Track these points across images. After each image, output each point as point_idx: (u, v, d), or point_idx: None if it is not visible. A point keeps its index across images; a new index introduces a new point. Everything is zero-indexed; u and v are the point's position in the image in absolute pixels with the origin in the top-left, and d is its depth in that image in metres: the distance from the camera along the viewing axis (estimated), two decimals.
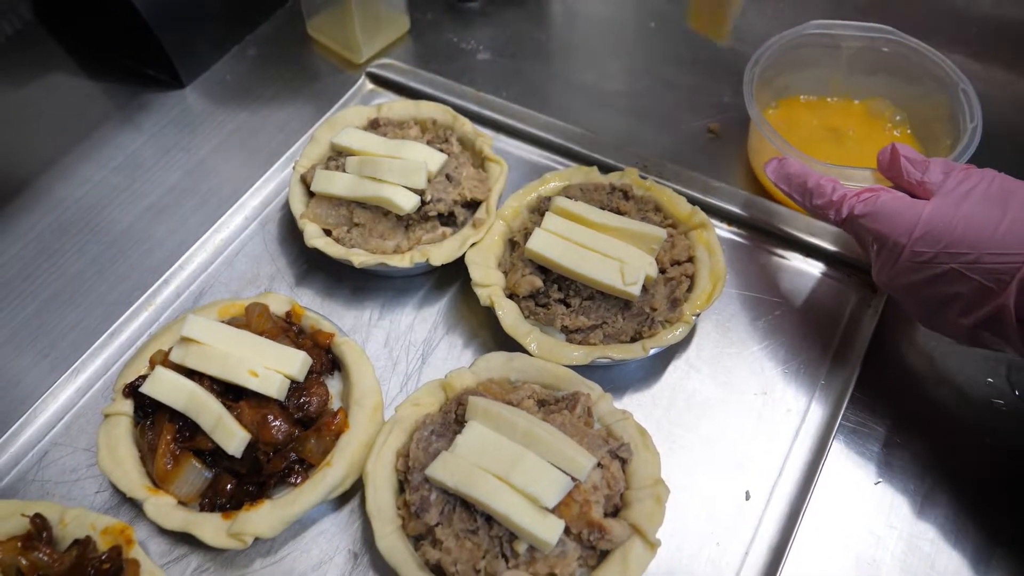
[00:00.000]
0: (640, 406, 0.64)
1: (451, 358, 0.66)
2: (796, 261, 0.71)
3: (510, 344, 0.63)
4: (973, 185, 0.55)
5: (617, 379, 0.64)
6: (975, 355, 0.65)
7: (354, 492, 0.59)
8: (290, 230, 0.73)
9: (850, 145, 0.75)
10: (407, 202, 0.66)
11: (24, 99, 0.84)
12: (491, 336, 0.67)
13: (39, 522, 0.54)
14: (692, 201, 0.70)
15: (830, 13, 0.87)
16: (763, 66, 0.73)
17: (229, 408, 0.57)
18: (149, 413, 0.59)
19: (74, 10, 0.87)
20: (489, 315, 0.66)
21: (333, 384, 0.62)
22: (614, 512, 0.55)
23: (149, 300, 0.69)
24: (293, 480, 0.57)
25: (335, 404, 0.61)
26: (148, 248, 0.72)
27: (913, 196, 0.58)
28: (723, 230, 0.73)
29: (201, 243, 0.72)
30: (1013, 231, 0.52)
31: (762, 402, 0.63)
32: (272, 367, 0.58)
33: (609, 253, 0.63)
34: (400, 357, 0.66)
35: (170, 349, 0.61)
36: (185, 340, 0.59)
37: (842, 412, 0.62)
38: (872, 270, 0.60)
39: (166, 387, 0.57)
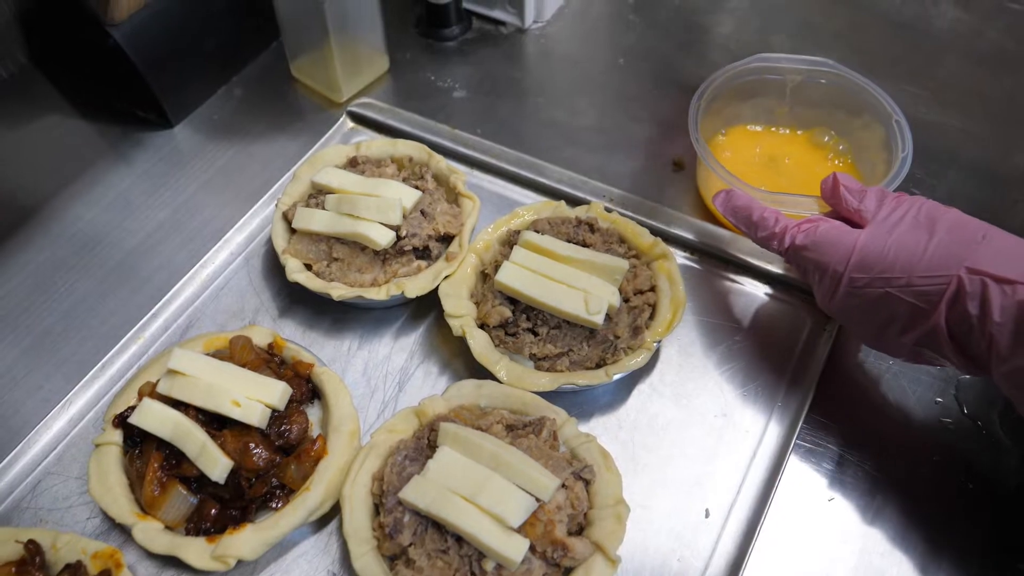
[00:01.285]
0: (606, 429, 0.67)
1: (427, 386, 0.69)
2: (755, 288, 0.74)
3: (482, 372, 0.66)
4: (904, 213, 0.59)
5: (584, 404, 0.68)
6: (924, 376, 0.68)
7: (332, 515, 0.62)
8: (273, 265, 0.77)
9: (791, 173, 0.79)
10: (383, 237, 0.69)
11: (20, 139, 0.88)
12: (464, 364, 0.70)
13: (32, 547, 0.57)
14: (655, 232, 0.74)
15: (792, 45, 0.92)
16: (710, 97, 0.77)
17: (213, 437, 0.60)
18: (137, 442, 0.62)
19: (67, 54, 0.91)
20: (462, 344, 0.69)
21: (313, 412, 0.65)
22: (578, 531, 0.58)
23: (138, 334, 0.72)
24: (274, 504, 0.60)
25: (315, 431, 0.64)
26: (138, 283, 0.75)
27: (852, 223, 0.62)
28: (685, 259, 0.76)
29: (188, 278, 0.76)
30: (938, 254, 0.56)
31: (722, 423, 0.67)
32: (254, 397, 0.61)
33: (574, 284, 0.67)
34: (378, 385, 0.69)
35: (158, 381, 0.64)
36: (171, 372, 0.62)
37: (797, 432, 0.65)
38: (816, 297, 0.64)
39: (153, 418, 0.60)
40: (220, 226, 0.79)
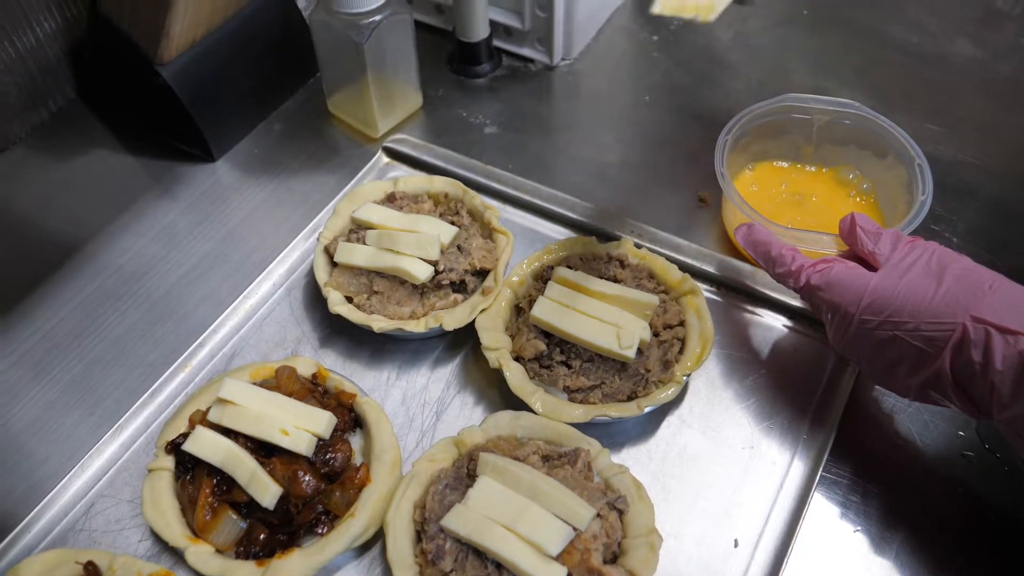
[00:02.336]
0: (636, 460, 0.69)
1: (463, 416, 0.72)
2: (780, 322, 0.77)
3: (517, 403, 0.69)
4: (916, 258, 0.62)
5: (615, 435, 0.70)
6: (946, 410, 0.70)
7: (374, 541, 0.65)
8: (314, 296, 0.80)
9: (816, 210, 0.81)
10: (422, 272, 0.73)
11: (68, 173, 0.91)
12: (499, 395, 0.73)
13: (91, 569, 0.60)
14: (683, 268, 0.76)
15: (812, 82, 0.95)
16: (737, 133, 0.80)
17: (262, 464, 0.62)
18: (189, 468, 0.65)
19: (115, 90, 0.95)
20: (497, 376, 0.72)
21: (355, 441, 0.68)
22: (612, 559, 0.61)
23: (186, 362, 0.75)
24: (320, 530, 0.62)
25: (357, 459, 0.67)
26: (184, 313, 0.79)
27: (867, 263, 0.65)
28: (709, 293, 0.79)
29: (232, 308, 0.79)
30: (946, 301, 0.58)
31: (748, 456, 0.69)
32: (301, 426, 0.64)
33: (606, 319, 0.70)
34: (416, 414, 0.72)
35: (208, 409, 0.67)
36: (221, 401, 0.65)
37: (822, 465, 0.67)
38: (828, 336, 0.66)
39: (205, 445, 0.63)
40: (262, 258, 0.82)
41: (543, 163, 0.90)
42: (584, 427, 0.67)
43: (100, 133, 0.95)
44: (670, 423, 0.71)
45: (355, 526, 0.61)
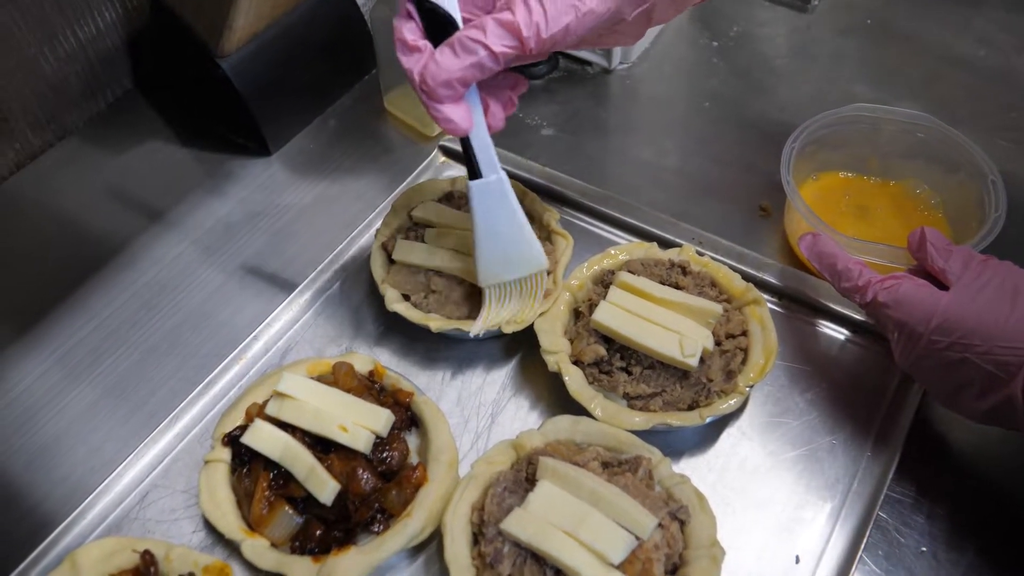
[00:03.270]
0: (695, 470, 0.69)
1: (518, 419, 0.72)
2: (844, 336, 0.76)
3: (574, 408, 0.69)
4: (988, 279, 0.61)
5: (674, 444, 0.70)
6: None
7: (429, 542, 0.65)
8: (369, 293, 0.80)
9: (880, 223, 0.81)
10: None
11: (123, 164, 0.93)
12: (555, 399, 0.72)
13: (148, 558, 0.60)
14: (744, 277, 0.76)
15: (875, 94, 0.94)
16: (804, 141, 0.79)
17: (320, 460, 0.63)
18: (246, 461, 0.65)
19: (172, 81, 0.96)
20: (554, 379, 0.71)
21: (411, 440, 0.68)
22: (672, 571, 0.60)
23: (240, 354, 0.76)
24: (375, 528, 0.62)
25: (413, 459, 0.67)
26: (239, 305, 0.79)
27: (936, 280, 0.64)
28: (773, 305, 0.78)
29: (287, 303, 0.79)
30: (1020, 327, 0.57)
31: (810, 471, 0.68)
32: (359, 423, 0.64)
33: (669, 326, 0.69)
34: (471, 416, 0.72)
35: (264, 402, 0.67)
36: (279, 395, 0.66)
37: (887, 483, 0.67)
38: (894, 353, 0.65)
39: (264, 439, 0.63)
40: (317, 253, 0.83)
41: (601, 167, 0.90)
42: (643, 434, 0.66)
43: (156, 125, 0.97)
44: (730, 434, 0.71)
45: (412, 525, 0.62)
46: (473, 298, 0.74)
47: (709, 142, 0.93)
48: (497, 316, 0.71)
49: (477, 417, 0.72)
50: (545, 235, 0.79)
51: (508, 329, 0.72)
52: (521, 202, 0.79)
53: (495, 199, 0.66)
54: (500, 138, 0.91)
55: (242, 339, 0.77)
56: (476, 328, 0.70)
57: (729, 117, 0.95)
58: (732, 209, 0.86)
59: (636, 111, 0.97)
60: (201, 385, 0.74)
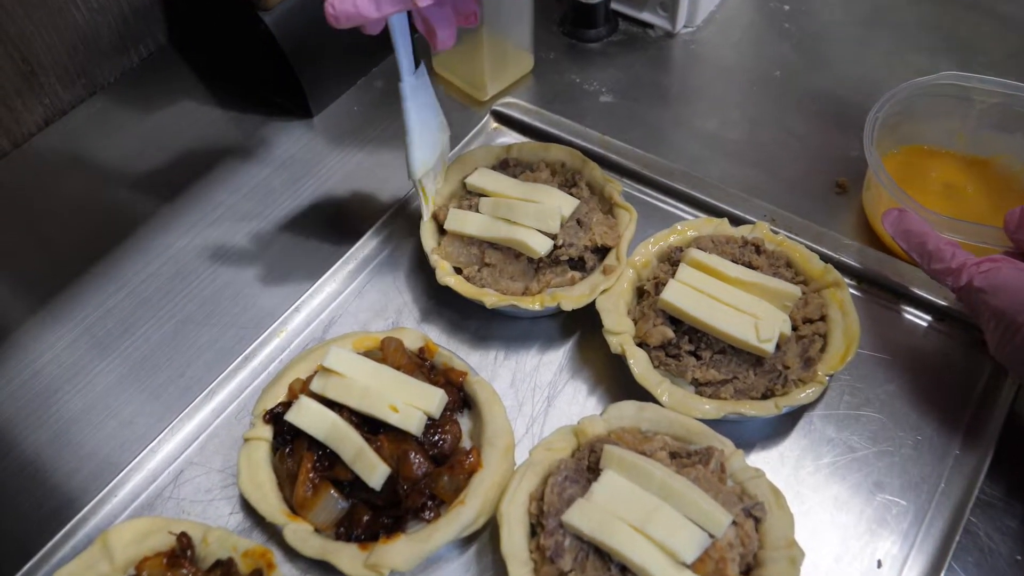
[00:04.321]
0: (767, 463, 0.65)
1: (576, 403, 0.69)
2: (927, 324, 0.72)
3: (635, 392, 0.66)
4: None
5: (744, 435, 0.66)
6: None
7: (481, 532, 0.62)
8: (417, 265, 0.77)
9: (970, 201, 0.76)
10: (541, 246, 0.70)
11: (156, 124, 0.90)
12: (616, 383, 0.70)
13: (185, 540, 0.58)
14: (824, 259, 0.72)
15: (959, 66, 0.90)
16: (888, 111, 0.75)
17: (368, 441, 0.60)
18: (288, 440, 0.63)
19: (210, 37, 0.94)
20: (614, 362, 0.69)
21: (463, 422, 0.65)
22: (746, 572, 0.57)
23: (281, 327, 0.74)
24: (426, 516, 0.60)
25: (466, 442, 0.64)
26: (280, 274, 0.77)
27: None
28: (852, 288, 0.74)
29: (331, 273, 0.77)
30: None
31: (893, 469, 0.65)
32: (410, 403, 0.61)
33: (743, 308, 0.66)
34: (526, 398, 0.69)
35: (308, 378, 0.65)
36: (325, 371, 0.63)
37: (979, 484, 0.63)
38: (988, 343, 0.62)
39: (310, 417, 0.61)
40: (363, 221, 0.80)
41: (664, 136, 0.87)
42: (713, 424, 0.63)
43: (190, 83, 0.94)
44: (805, 427, 0.67)
45: (465, 514, 0.59)
46: (529, 273, 0.71)
47: (779, 113, 0.89)
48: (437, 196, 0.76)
49: (532, 400, 0.69)
50: (606, 208, 0.76)
51: (567, 306, 0.68)
52: (580, 171, 0.76)
53: (423, 93, 0.71)
54: (553, 103, 0.89)
55: (283, 311, 0.74)
56: (426, 215, 0.75)
57: (801, 86, 0.91)
58: (806, 185, 0.82)
59: (700, 78, 0.93)
60: (239, 358, 0.72)
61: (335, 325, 0.74)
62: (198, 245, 0.80)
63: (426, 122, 0.72)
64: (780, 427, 0.67)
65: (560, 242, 0.71)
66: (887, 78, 0.87)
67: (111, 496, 0.65)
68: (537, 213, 0.70)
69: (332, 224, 0.81)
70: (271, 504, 0.61)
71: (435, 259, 0.72)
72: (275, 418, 0.63)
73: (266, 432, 0.64)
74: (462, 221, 0.72)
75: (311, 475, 0.60)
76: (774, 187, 0.81)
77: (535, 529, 0.59)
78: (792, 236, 0.75)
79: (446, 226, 0.73)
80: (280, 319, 0.74)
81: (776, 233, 0.74)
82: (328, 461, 0.61)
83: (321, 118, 0.90)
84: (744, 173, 0.83)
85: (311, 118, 0.89)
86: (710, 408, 0.64)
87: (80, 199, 0.84)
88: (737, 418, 0.64)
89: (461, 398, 0.66)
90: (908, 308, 0.73)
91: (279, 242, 0.79)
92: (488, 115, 0.89)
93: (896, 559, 0.61)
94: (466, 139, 0.87)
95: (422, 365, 0.66)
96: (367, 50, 0.93)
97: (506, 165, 0.78)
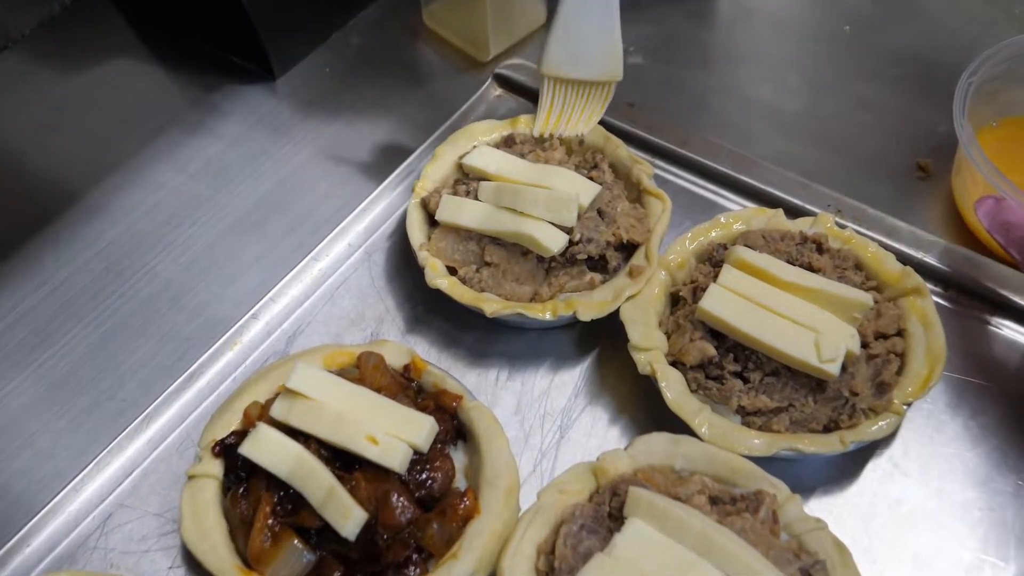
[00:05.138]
0: (830, 512, 0.66)
1: (595, 434, 0.70)
2: None
3: (671, 423, 0.66)
4: None
5: (804, 476, 0.67)
6: None
7: None
8: (401, 263, 0.78)
9: None
10: (554, 242, 0.70)
11: (85, 87, 0.91)
12: (643, 411, 0.70)
13: None
14: (900, 258, 0.72)
15: None
16: (984, 76, 0.75)
17: (340, 480, 0.60)
18: (243, 478, 0.63)
19: None
20: (642, 384, 0.69)
21: (457, 457, 0.65)
22: None
23: (234, 338, 0.74)
24: (410, 573, 0.60)
25: (460, 482, 0.64)
26: (233, 274, 0.77)
27: None
28: (937, 296, 0.75)
29: (296, 272, 0.77)
30: None
31: (988, 519, 0.65)
32: (393, 433, 0.61)
33: (801, 320, 0.66)
34: (533, 428, 0.70)
35: (268, 401, 0.65)
36: (289, 393, 0.63)
37: None
38: None
39: (269, 449, 0.61)
40: (335, 209, 0.80)
41: (706, 107, 0.87)
42: (763, 462, 0.63)
43: (126, 37, 0.95)
44: (877, 466, 0.68)
45: (458, 570, 0.59)
46: (539, 275, 0.71)
47: (849, 79, 0.89)
48: (556, 119, 0.77)
49: (542, 431, 0.70)
50: (634, 195, 0.76)
51: (585, 315, 0.69)
52: (602, 150, 0.77)
53: None
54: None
55: (237, 318, 0.75)
56: (538, 127, 0.76)
57: (877, 44, 0.92)
58: (880, 168, 0.82)
59: (751, 36, 0.94)
60: (183, 376, 0.72)
61: (301, 336, 0.75)
62: (135, 235, 0.80)
63: (585, 18, 0.74)
64: (846, 467, 0.68)
65: (577, 237, 0.71)
66: (982, 36, 0.87)
67: (23, 545, 0.66)
68: (549, 201, 0.71)
69: (298, 212, 0.81)
70: (221, 557, 0.61)
71: (424, 256, 0.72)
72: (226, 450, 0.63)
73: (215, 468, 0.64)
74: (457, 210, 0.73)
75: (270, 521, 0.60)
76: (841, 170, 0.82)
77: None
78: (862, 231, 0.76)
79: (438, 216, 0.73)
80: (233, 328, 0.74)
81: (843, 227, 0.74)
82: (291, 504, 0.61)
83: (286, 81, 0.90)
84: (804, 153, 0.83)
85: (273, 81, 0.90)
86: (760, 443, 0.64)
87: None
88: (793, 455, 0.64)
89: (455, 427, 0.66)
90: (1006, 321, 0.73)
91: (233, 234, 0.80)
92: (490, 79, 0.89)
93: None
94: (463, 108, 0.87)
95: (407, 387, 0.66)
96: (342, 1, 0.94)
97: (512, 142, 0.79)
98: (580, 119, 0.78)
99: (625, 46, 0.90)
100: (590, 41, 0.75)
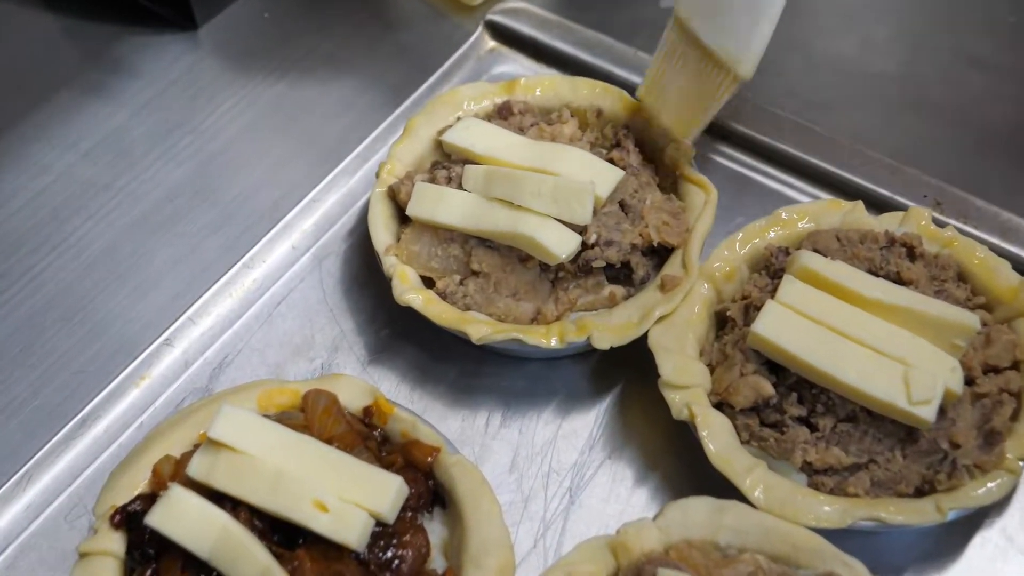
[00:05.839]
0: None
1: (616, 498, 0.70)
2: None
3: (709, 483, 0.67)
4: None
5: (889, 553, 0.68)
6: None
7: None
8: (361, 272, 0.79)
9: None
10: (563, 246, 0.70)
11: None
12: (682, 467, 0.71)
13: None
14: (1019, 268, 0.73)
15: None
16: None
17: (279, 560, 0.61)
18: (150, 556, 0.64)
19: None
20: (681, 432, 0.70)
21: (434, 528, 0.66)
22: None
23: (141, 370, 0.75)
24: None
25: (437, 562, 0.65)
26: (141, 285, 0.78)
27: None
28: None
29: (223, 284, 0.78)
30: None
31: None
32: (349, 498, 0.62)
33: (885, 349, 0.67)
34: (535, 491, 0.71)
35: (185, 455, 0.66)
36: (213, 444, 0.64)
37: None
38: None
39: (186, 519, 0.62)
40: (275, 201, 0.82)
41: (764, 66, 0.87)
42: (835, 536, 0.64)
43: None
44: (987, 540, 0.69)
45: None
46: (543, 288, 0.72)
47: (954, 34, 0.91)
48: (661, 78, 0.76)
49: (545, 493, 0.71)
50: (669, 182, 0.77)
51: (603, 342, 0.69)
52: (627, 124, 0.78)
53: None
54: (585, 13, 0.90)
55: (145, 344, 0.76)
56: (646, 85, 0.76)
57: None
58: (994, 148, 0.84)
59: None
60: (73, 421, 0.73)
61: (229, 369, 0.76)
62: (12, 232, 0.81)
63: None
64: (946, 540, 0.69)
65: (593, 239, 0.72)
66: None
67: None
68: (556, 191, 0.71)
69: (223, 204, 0.82)
70: None
71: (392, 263, 0.73)
72: (130, 520, 0.64)
73: (115, 543, 0.64)
74: (435, 203, 0.73)
75: None
76: (942, 150, 0.83)
77: None
78: (968, 230, 0.77)
79: (410, 211, 0.74)
80: (140, 358, 0.75)
81: (943, 226, 0.75)
82: None
83: (210, 31, 0.92)
84: (893, 126, 0.85)
85: (195, 30, 0.91)
86: (831, 511, 0.65)
87: None
88: (876, 527, 0.65)
89: (430, 490, 0.67)
90: None
91: (139, 231, 0.81)
92: (481, 28, 0.91)
93: None
94: (445, 66, 0.88)
95: (369, 436, 0.67)
96: None
97: (508, 112, 0.79)
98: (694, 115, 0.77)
99: None
100: (738, 11, 0.73)
